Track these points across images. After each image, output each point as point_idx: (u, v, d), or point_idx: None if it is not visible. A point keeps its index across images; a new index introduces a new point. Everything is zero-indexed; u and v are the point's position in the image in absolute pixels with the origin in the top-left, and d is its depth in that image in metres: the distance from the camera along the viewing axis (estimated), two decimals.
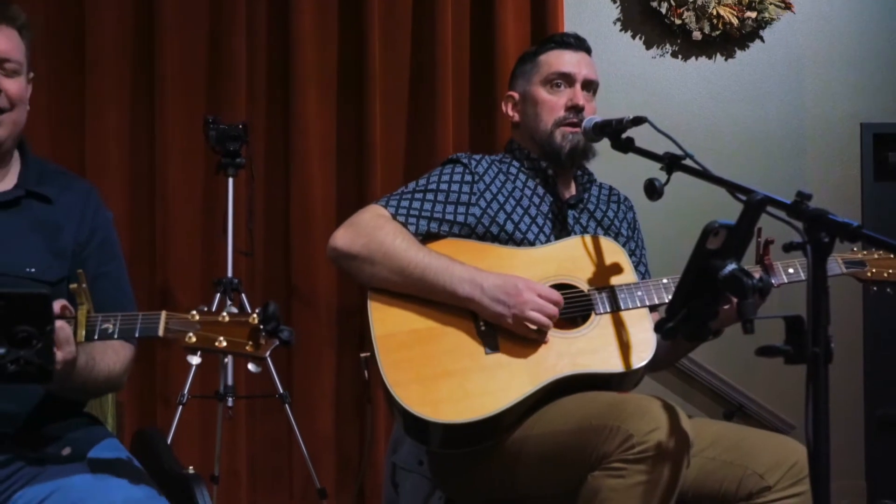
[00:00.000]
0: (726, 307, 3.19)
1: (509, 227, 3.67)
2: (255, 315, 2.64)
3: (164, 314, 2.68)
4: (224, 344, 2.64)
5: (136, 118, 6.59)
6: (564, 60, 3.80)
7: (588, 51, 3.87)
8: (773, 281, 3.40)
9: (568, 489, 3.21)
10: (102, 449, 3.16)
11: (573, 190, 3.89)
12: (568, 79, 3.78)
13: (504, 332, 3.46)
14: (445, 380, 3.39)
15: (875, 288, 3.64)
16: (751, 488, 3.35)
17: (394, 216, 3.63)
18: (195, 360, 2.86)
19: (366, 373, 3.49)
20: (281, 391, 5.74)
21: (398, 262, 3.50)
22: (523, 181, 3.79)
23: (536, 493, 3.40)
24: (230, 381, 5.68)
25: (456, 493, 3.63)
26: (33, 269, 3.17)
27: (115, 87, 6.51)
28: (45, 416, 3.18)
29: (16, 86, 3.20)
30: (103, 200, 3.48)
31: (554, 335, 3.45)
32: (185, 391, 5.66)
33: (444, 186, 3.70)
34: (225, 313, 2.66)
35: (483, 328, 3.47)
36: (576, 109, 3.71)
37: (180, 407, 5.68)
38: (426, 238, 3.62)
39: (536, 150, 3.83)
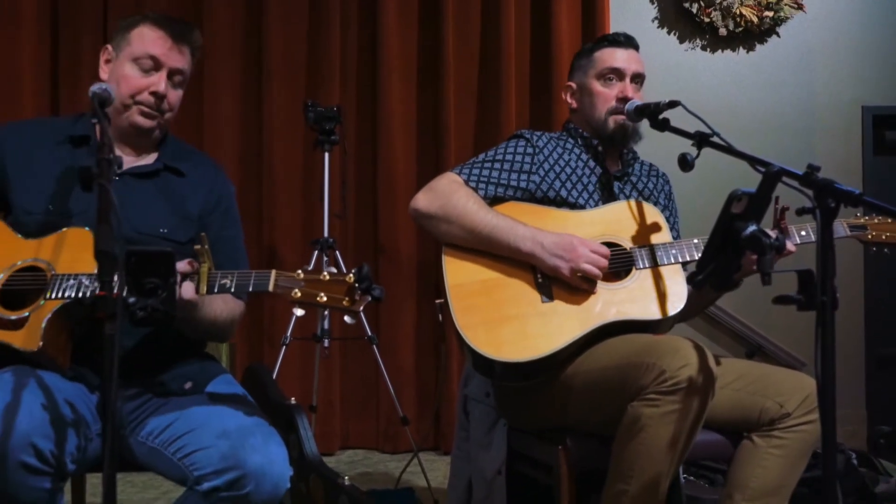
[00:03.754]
0: (747, 262, 3.19)
1: (563, 193, 3.67)
2: (351, 275, 2.66)
3: (273, 272, 2.71)
4: (324, 299, 2.66)
5: (246, 103, 6.66)
6: (616, 57, 3.79)
7: (636, 48, 3.86)
8: (787, 241, 3.40)
9: (610, 417, 3.22)
10: (218, 383, 3.21)
11: (619, 165, 3.88)
12: (619, 73, 3.77)
13: (558, 283, 3.46)
14: (507, 324, 3.40)
15: (874, 248, 3.63)
16: (772, 416, 3.35)
17: (466, 182, 3.65)
18: (299, 312, 2.87)
19: (440, 317, 3.48)
20: (369, 334, 5.76)
21: (469, 222, 3.51)
22: (577, 155, 3.79)
23: (584, 420, 3.41)
24: (326, 326, 5.70)
25: (517, 421, 3.64)
26: (165, 230, 3.22)
27: (228, 76, 6.60)
28: (170, 355, 3.23)
29: (176, 96, 3.31)
30: (229, 179, 3.54)
31: (601, 286, 3.45)
32: (288, 334, 5.70)
33: (509, 157, 3.71)
34: (325, 273, 2.68)
35: (540, 280, 3.48)
36: (625, 100, 3.70)
37: (284, 347, 5.71)
38: (493, 202, 3.62)
39: (590, 131, 3.83)
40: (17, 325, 2.87)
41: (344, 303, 2.66)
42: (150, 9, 5.82)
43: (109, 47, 3.32)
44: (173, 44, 3.24)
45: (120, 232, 2.39)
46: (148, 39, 3.23)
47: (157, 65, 3.22)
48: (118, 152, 3.10)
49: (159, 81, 3.21)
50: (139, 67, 3.21)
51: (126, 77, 3.20)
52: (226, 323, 3.22)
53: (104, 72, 3.31)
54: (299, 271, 2.69)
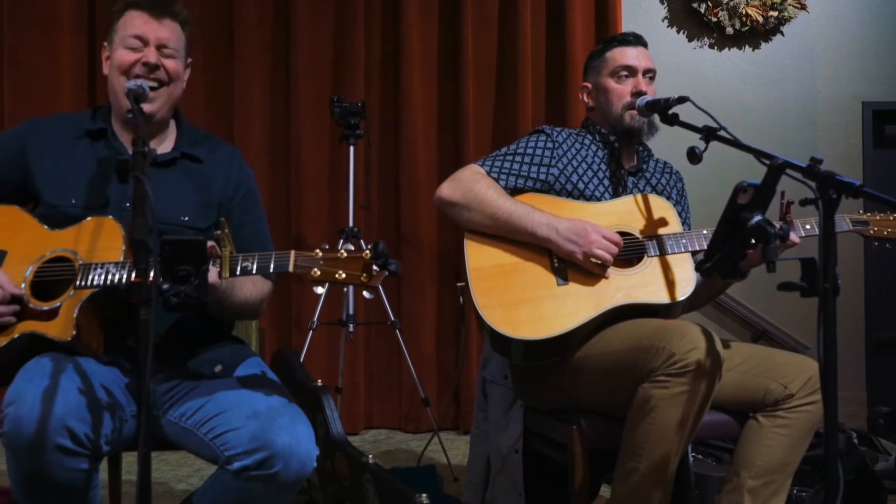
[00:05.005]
0: (753, 251, 3.18)
1: (580, 186, 3.68)
2: (367, 251, 2.65)
3: (293, 253, 2.69)
4: (343, 276, 2.65)
5: (275, 98, 6.68)
6: (627, 55, 3.80)
7: (645, 45, 3.87)
8: (791, 233, 3.40)
9: (622, 398, 3.23)
10: (247, 366, 3.21)
11: (634, 161, 3.89)
12: (631, 70, 3.78)
13: (573, 267, 3.47)
14: (524, 305, 3.41)
15: (876, 243, 3.63)
16: (776, 397, 3.36)
17: (488, 173, 3.66)
18: (320, 290, 2.87)
19: (461, 299, 3.51)
20: (392, 319, 5.77)
21: (490, 209, 3.52)
22: (594, 151, 3.79)
23: (596, 401, 3.42)
24: (351, 311, 5.72)
25: (533, 401, 3.65)
26: (187, 218, 3.21)
27: (258, 73, 6.61)
28: (200, 340, 3.24)
29: (174, 64, 3.24)
30: (246, 161, 3.51)
31: (613, 272, 3.46)
32: (315, 318, 5.71)
33: (529, 151, 3.72)
34: (343, 250, 2.67)
35: (556, 264, 3.49)
36: (639, 95, 3.71)
37: (311, 331, 5.73)
38: (512, 193, 3.63)
39: (607, 128, 3.83)
40: (51, 315, 2.88)
41: (362, 278, 2.65)
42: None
43: (106, 44, 3.31)
44: (151, 18, 3.21)
45: (154, 222, 2.40)
46: (130, 22, 3.21)
47: (143, 42, 3.19)
48: (128, 142, 3.11)
49: (148, 54, 3.18)
50: (129, 49, 3.19)
51: (119, 61, 3.19)
52: (257, 302, 3.23)
53: (105, 68, 3.30)
54: (317, 251, 2.68)
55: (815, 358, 2.70)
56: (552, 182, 3.68)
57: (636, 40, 3.86)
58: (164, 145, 3.33)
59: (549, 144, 3.74)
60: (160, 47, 3.22)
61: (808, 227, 3.55)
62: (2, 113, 6.24)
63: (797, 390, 3.35)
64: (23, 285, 2.92)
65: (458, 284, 3.61)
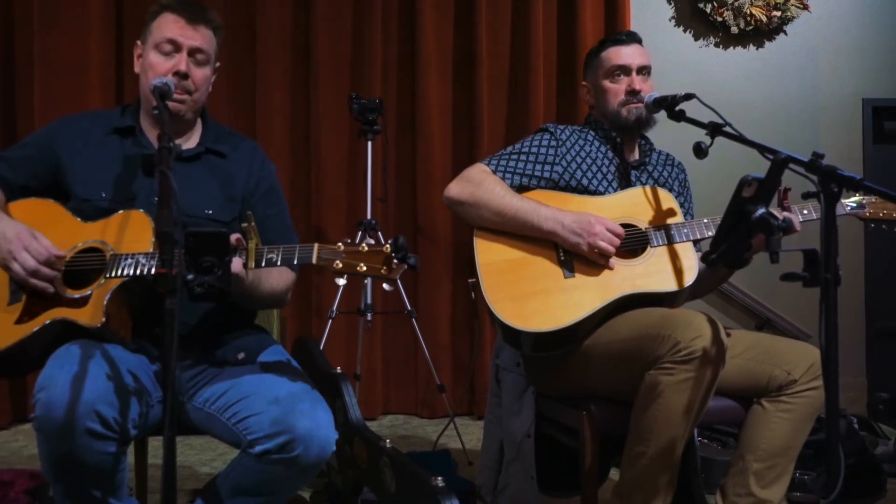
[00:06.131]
0: (757, 242, 3.18)
1: (584, 181, 3.67)
2: (388, 245, 2.65)
3: (316, 245, 2.70)
4: (364, 269, 2.65)
5: (296, 96, 6.70)
6: (621, 54, 3.80)
7: (639, 41, 3.87)
8: (792, 217, 3.40)
9: (629, 385, 3.23)
10: (269, 353, 3.22)
11: (637, 155, 3.89)
12: (625, 69, 3.78)
13: (580, 260, 3.47)
14: (533, 298, 3.41)
15: (873, 225, 3.63)
16: (780, 382, 3.36)
17: (494, 172, 3.66)
18: (341, 281, 2.85)
19: (472, 294, 3.50)
20: (409, 308, 5.77)
21: (497, 206, 3.52)
22: (597, 146, 3.79)
23: (605, 388, 3.41)
24: (369, 301, 5.72)
25: (544, 388, 3.65)
26: (211, 211, 3.22)
27: (279, 72, 6.63)
28: (224, 328, 3.25)
29: (201, 74, 3.26)
30: (268, 156, 3.52)
31: (619, 262, 3.46)
32: (334, 308, 5.72)
33: (534, 150, 3.71)
34: (364, 244, 2.67)
35: (563, 257, 3.49)
36: (633, 93, 3.72)
37: (330, 320, 5.74)
38: (518, 191, 3.63)
39: (608, 124, 3.83)
40: (81, 302, 2.90)
41: (382, 271, 2.66)
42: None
43: (139, 42, 3.32)
44: (187, 24, 3.22)
45: (179, 214, 2.40)
46: (165, 25, 3.22)
47: (176, 47, 3.21)
48: (155, 138, 3.12)
49: (180, 62, 3.19)
50: (161, 52, 3.20)
51: (151, 64, 3.20)
52: (282, 292, 3.25)
53: (137, 66, 3.33)
54: (340, 244, 2.68)
55: (816, 345, 2.69)
56: (557, 179, 3.68)
57: (630, 38, 3.87)
58: (190, 141, 3.35)
59: (553, 143, 3.74)
60: (193, 53, 3.23)
61: (805, 211, 3.54)
62: (32, 110, 6.26)
63: (800, 376, 3.35)
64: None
65: (470, 281, 3.60)
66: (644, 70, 3.80)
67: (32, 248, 2.90)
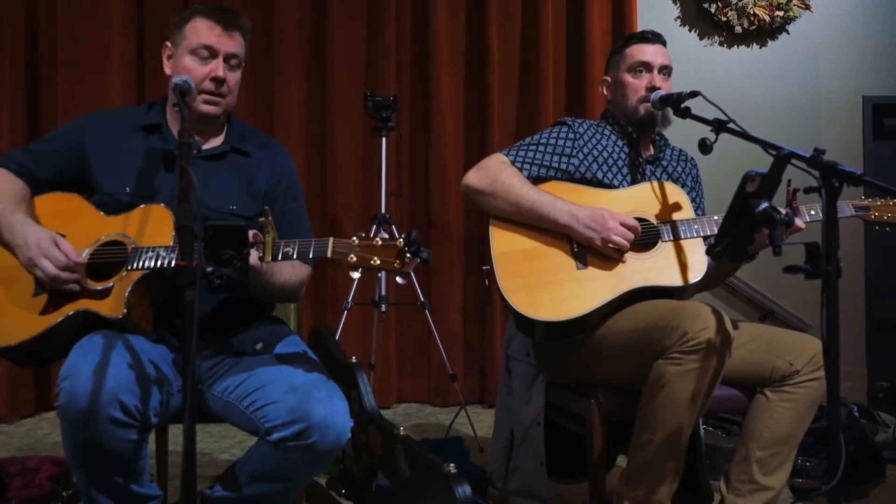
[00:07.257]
0: (760, 236, 3.17)
1: (599, 175, 3.67)
2: (401, 240, 2.65)
3: (331, 240, 2.70)
4: (378, 262, 2.65)
5: (312, 92, 6.68)
6: (644, 52, 3.80)
7: (663, 43, 3.86)
8: (797, 219, 3.40)
9: (637, 374, 3.23)
10: (286, 344, 3.23)
11: (651, 150, 3.88)
12: (647, 66, 3.77)
13: (592, 252, 3.47)
14: (546, 288, 3.41)
15: (877, 227, 3.63)
16: (782, 373, 3.36)
17: (512, 163, 3.65)
18: (356, 275, 2.85)
19: (486, 282, 3.51)
20: (422, 299, 5.77)
21: (514, 197, 3.52)
22: (613, 141, 3.79)
23: (613, 377, 3.42)
24: (383, 292, 5.71)
25: (554, 377, 3.65)
26: (235, 207, 3.24)
27: (295, 69, 6.62)
28: (242, 320, 3.27)
29: (234, 78, 3.30)
30: (290, 156, 3.53)
31: (630, 256, 3.46)
32: (349, 299, 5.71)
33: (552, 141, 3.71)
34: (378, 239, 2.67)
35: (576, 249, 3.49)
36: (653, 90, 3.70)
37: (345, 311, 5.73)
38: (535, 181, 3.62)
39: (624, 119, 3.83)
40: (104, 294, 2.91)
41: (395, 265, 2.66)
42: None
43: (169, 44, 3.33)
44: (223, 31, 3.24)
45: (199, 208, 2.40)
46: (201, 31, 3.24)
47: (212, 53, 3.22)
48: None
49: (217, 67, 3.22)
50: (197, 57, 3.22)
51: (187, 69, 3.20)
52: (296, 285, 3.25)
53: (167, 67, 3.33)
54: (354, 238, 2.68)
55: (818, 336, 2.69)
56: (573, 171, 3.67)
57: (654, 38, 3.86)
58: (216, 140, 3.37)
59: (571, 135, 3.74)
60: (228, 58, 3.26)
61: (812, 212, 3.54)
62: (56, 108, 6.28)
63: (802, 367, 3.35)
64: None
65: (484, 268, 3.60)
66: (665, 70, 3.80)
67: (52, 256, 2.90)
